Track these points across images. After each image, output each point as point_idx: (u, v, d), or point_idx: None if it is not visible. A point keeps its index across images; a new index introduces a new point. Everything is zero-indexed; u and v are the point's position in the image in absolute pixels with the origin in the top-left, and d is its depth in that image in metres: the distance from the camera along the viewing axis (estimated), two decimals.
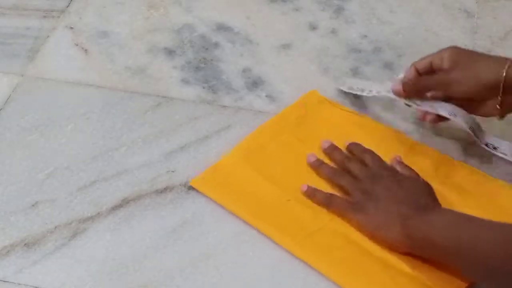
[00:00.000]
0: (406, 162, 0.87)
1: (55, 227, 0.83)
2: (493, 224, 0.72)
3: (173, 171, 0.88)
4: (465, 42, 1.04)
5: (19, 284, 0.78)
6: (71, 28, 1.07)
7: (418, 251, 0.77)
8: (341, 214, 0.82)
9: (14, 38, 1.05)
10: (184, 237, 0.82)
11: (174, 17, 1.09)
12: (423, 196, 0.81)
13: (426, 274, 0.77)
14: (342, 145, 0.90)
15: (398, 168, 0.86)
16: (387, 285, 0.77)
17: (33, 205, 0.85)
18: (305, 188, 0.85)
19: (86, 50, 1.04)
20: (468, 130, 0.87)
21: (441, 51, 0.87)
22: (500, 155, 0.89)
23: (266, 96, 0.98)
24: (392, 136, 0.92)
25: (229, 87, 0.99)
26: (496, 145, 0.89)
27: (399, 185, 0.82)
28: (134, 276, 0.78)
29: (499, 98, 0.85)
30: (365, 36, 1.06)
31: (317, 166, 0.88)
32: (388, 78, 0.99)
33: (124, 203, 0.85)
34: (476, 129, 0.88)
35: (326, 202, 0.84)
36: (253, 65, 1.02)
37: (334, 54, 1.03)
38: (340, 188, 0.85)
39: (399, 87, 0.89)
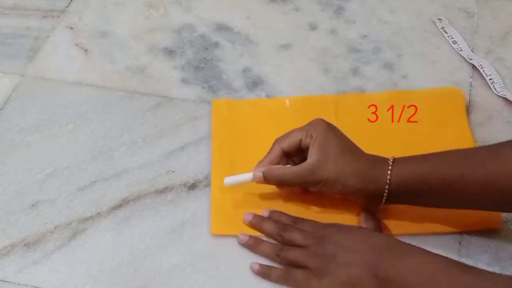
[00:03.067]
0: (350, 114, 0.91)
1: (55, 227, 0.83)
2: (482, 273, 0.70)
3: (173, 171, 0.88)
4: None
5: (19, 284, 0.78)
6: (71, 28, 1.07)
7: None
8: (304, 286, 0.76)
9: (14, 38, 1.05)
10: (184, 237, 0.82)
11: (174, 17, 1.09)
12: (377, 236, 0.76)
13: None
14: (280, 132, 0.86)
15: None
16: None
17: (33, 205, 0.85)
18: (257, 267, 0.78)
19: (86, 50, 1.04)
20: None
21: (310, 127, 0.81)
22: None
23: (266, 96, 0.98)
24: (318, 99, 0.95)
25: (229, 87, 0.99)
26: None
27: (348, 236, 0.76)
28: (134, 276, 0.78)
29: (383, 201, 0.78)
30: (365, 36, 1.06)
31: (253, 245, 0.80)
32: (388, 78, 0.99)
33: (124, 203, 0.85)
34: None
35: (284, 277, 0.77)
36: (253, 65, 1.02)
37: (334, 54, 1.03)
38: (288, 262, 0.78)
39: (259, 175, 0.81)
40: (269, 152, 0.83)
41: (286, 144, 0.82)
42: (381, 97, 0.96)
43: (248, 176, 0.82)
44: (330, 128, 0.81)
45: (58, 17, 1.08)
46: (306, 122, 0.84)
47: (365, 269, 0.72)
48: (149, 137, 0.92)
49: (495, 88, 0.97)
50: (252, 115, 0.94)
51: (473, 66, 1.00)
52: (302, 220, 0.82)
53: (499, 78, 0.98)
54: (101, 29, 1.07)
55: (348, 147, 0.80)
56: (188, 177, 0.88)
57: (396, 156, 0.79)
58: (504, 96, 0.96)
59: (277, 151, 0.82)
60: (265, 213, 0.83)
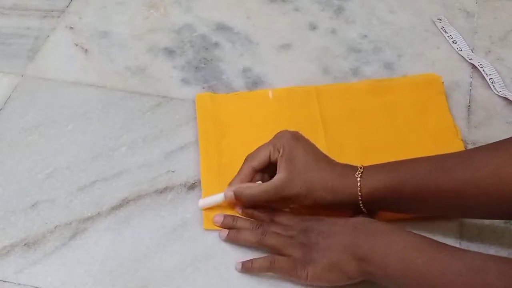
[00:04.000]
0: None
1: (55, 227, 0.83)
2: (457, 251, 0.71)
3: (173, 171, 0.88)
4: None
5: (19, 284, 0.78)
6: (71, 28, 1.07)
7: (378, 279, 0.73)
8: (289, 274, 0.76)
9: (14, 38, 1.05)
10: (184, 237, 0.82)
11: (174, 17, 1.09)
12: (355, 219, 0.77)
13: None
14: (272, 125, 0.87)
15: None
16: None
17: (33, 205, 0.85)
18: (239, 266, 0.78)
19: (86, 50, 1.04)
20: None
21: (276, 140, 0.81)
22: None
23: None
24: (300, 90, 0.96)
25: (229, 87, 0.99)
26: None
27: (329, 223, 0.77)
28: (134, 276, 0.78)
29: (363, 210, 0.78)
30: (365, 36, 1.06)
31: (234, 236, 0.80)
32: (388, 78, 0.99)
33: (124, 203, 0.85)
34: None
35: (268, 265, 0.77)
36: (253, 65, 1.02)
37: (334, 54, 1.03)
38: (271, 247, 0.78)
39: (230, 194, 0.81)
40: (239, 171, 0.83)
41: (256, 163, 0.82)
42: (362, 86, 0.97)
43: (220, 196, 0.83)
44: (296, 140, 0.81)
45: (58, 17, 1.08)
46: (289, 113, 0.89)
47: (344, 251, 0.73)
48: (149, 137, 0.92)
49: (495, 88, 0.97)
50: (236, 107, 0.95)
51: (473, 66, 1.00)
52: (279, 213, 0.82)
53: (500, 77, 0.98)
54: (101, 29, 1.07)
55: (316, 159, 0.80)
56: (188, 177, 0.88)
57: (371, 155, 0.82)
58: (505, 96, 0.96)
59: (247, 169, 0.82)
60: (239, 208, 0.83)
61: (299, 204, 0.80)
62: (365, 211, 0.79)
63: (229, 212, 0.83)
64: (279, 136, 0.82)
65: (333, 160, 0.81)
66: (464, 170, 0.73)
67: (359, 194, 0.77)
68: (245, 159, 0.84)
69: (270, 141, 0.83)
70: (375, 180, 0.77)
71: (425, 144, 0.89)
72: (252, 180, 0.83)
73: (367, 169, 0.78)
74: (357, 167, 0.78)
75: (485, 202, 0.73)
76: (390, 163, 0.78)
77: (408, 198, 0.76)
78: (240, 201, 0.82)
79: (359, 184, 0.77)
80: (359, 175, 0.77)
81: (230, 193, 0.82)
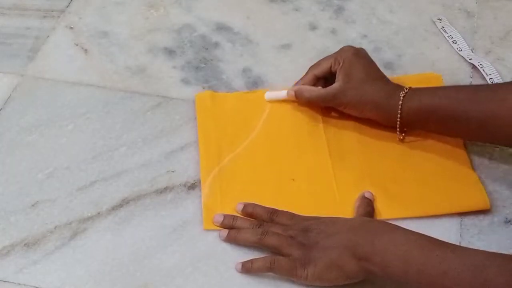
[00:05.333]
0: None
1: (55, 227, 0.83)
2: (458, 248, 0.72)
3: (173, 171, 0.88)
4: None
5: (19, 284, 0.78)
6: (71, 28, 1.07)
7: (379, 278, 0.73)
8: (289, 273, 0.76)
9: (14, 38, 1.05)
10: (184, 237, 0.82)
11: (174, 17, 1.09)
12: (355, 218, 0.80)
13: None
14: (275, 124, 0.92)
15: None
16: None
17: (33, 205, 0.85)
18: (239, 266, 0.78)
19: (86, 50, 1.04)
20: None
21: (338, 54, 0.91)
22: None
23: None
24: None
25: (229, 87, 0.99)
26: None
27: (329, 222, 0.78)
28: (134, 276, 0.78)
29: (398, 127, 0.88)
30: (365, 36, 1.06)
31: (234, 236, 0.81)
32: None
33: (124, 203, 0.85)
34: None
35: (268, 266, 0.77)
36: (253, 65, 1.02)
37: None
38: (271, 247, 0.79)
39: (291, 93, 0.93)
40: (303, 77, 0.93)
41: (318, 70, 0.92)
42: None
43: (284, 93, 0.93)
44: (357, 55, 0.90)
45: (58, 17, 1.08)
46: (288, 113, 0.93)
47: (344, 250, 0.74)
48: (149, 137, 0.92)
49: None
50: (235, 107, 0.95)
51: (473, 66, 1.00)
52: (279, 212, 0.82)
53: (500, 77, 0.98)
54: (101, 29, 1.07)
55: (371, 74, 0.89)
56: (188, 177, 0.88)
57: (370, 150, 0.89)
58: None
59: (310, 76, 0.92)
60: (239, 207, 0.84)
61: (348, 111, 0.89)
62: (399, 135, 0.88)
63: (228, 213, 0.83)
64: (342, 50, 0.91)
65: (387, 79, 0.90)
66: (491, 103, 0.81)
67: (399, 112, 0.85)
68: (309, 68, 0.93)
69: (333, 54, 0.91)
70: (414, 101, 0.85)
71: (425, 141, 0.89)
72: (314, 85, 0.92)
73: (410, 91, 0.86)
74: (404, 87, 0.86)
75: (507, 131, 0.80)
76: (431, 88, 0.87)
77: (442, 120, 0.84)
78: (299, 100, 0.92)
79: (400, 103, 0.85)
80: (403, 95, 0.85)
81: (292, 92, 0.93)
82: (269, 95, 0.95)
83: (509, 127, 0.80)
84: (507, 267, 0.67)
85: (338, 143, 0.90)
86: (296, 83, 0.93)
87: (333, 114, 0.93)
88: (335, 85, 0.88)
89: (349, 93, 0.88)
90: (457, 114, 0.83)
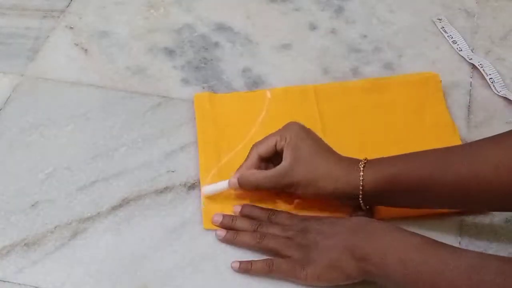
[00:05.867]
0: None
1: (55, 227, 0.83)
2: (455, 250, 0.72)
3: (173, 171, 0.88)
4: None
5: (19, 284, 0.78)
6: (71, 28, 1.07)
7: (378, 279, 0.73)
8: (288, 275, 0.76)
9: (14, 38, 1.05)
10: (184, 237, 0.82)
11: (174, 17, 1.09)
12: (354, 219, 0.78)
13: None
14: (272, 122, 0.89)
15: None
16: None
17: (33, 205, 0.85)
18: (237, 265, 0.78)
19: (86, 50, 1.04)
20: None
21: (284, 130, 0.82)
22: None
23: None
24: (298, 89, 0.96)
25: (229, 87, 0.99)
26: None
27: (328, 223, 0.78)
28: (134, 276, 0.78)
29: (361, 202, 0.79)
30: (365, 36, 1.06)
31: (232, 238, 0.81)
32: (386, 76, 0.99)
33: (124, 203, 0.85)
34: None
35: (267, 269, 0.77)
36: (253, 65, 1.02)
37: (334, 54, 1.03)
38: (270, 250, 0.79)
39: (234, 181, 0.82)
40: (246, 158, 0.84)
41: (263, 150, 0.83)
42: (360, 84, 0.97)
43: (225, 184, 0.83)
44: (304, 131, 0.82)
45: (58, 17, 1.08)
46: (288, 112, 0.89)
47: (343, 251, 0.74)
48: (149, 137, 0.92)
49: (495, 88, 0.97)
50: (234, 107, 0.95)
51: (473, 66, 1.00)
52: (277, 212, 0.82)
53: (500, 77, 0.98)
54: (101, 29, 1.07)
55: (321, 150, 0.81)
56: (188, 177, 0.88)
57: (370, 153, 0.80)
58: (505, 96, 0.96)
59: (254, 157, 0.83)
60: (236, 209, 0.84)
61: (301, 191, 0.80)
62: (363, 207, 0.79)
63: (229, 212, 0.83)
64: (287, 126, 0.83)
65: (338, 153, 0.82)
66: (465, 164, 0.74)
67: (361, 184, 0.77)
68: (252, 147, 0.84)
69: (277, 131, 0.83)
70: (378, 171, 0.77)
71: (424, 141, 0.89)
72: (257, 168, 0.83)
73: (370, 162, 0.78)
74: (360, 160, 0.79)
75: (485, 195, 0.74)
76: (393, 156, 0.79)
77: (410, 190, 0.76)
78: (244, 188, 0.83)
79: (361, 174, 0.77)
80: (362, 166, 0.78)
81: (234, 180, 0.83)
82: (207, 189, 0.84)
83: (486, 189, 0.73)
84: (503, 269, 0.67)
85: (336, 143, 0.90)
86: (238, 169, 0.83)
87: (332, 114, 0.93)
88: (283, 164, 0.80)
89: (300, 170, 0.79)
90: (428, 180, 0.75)
